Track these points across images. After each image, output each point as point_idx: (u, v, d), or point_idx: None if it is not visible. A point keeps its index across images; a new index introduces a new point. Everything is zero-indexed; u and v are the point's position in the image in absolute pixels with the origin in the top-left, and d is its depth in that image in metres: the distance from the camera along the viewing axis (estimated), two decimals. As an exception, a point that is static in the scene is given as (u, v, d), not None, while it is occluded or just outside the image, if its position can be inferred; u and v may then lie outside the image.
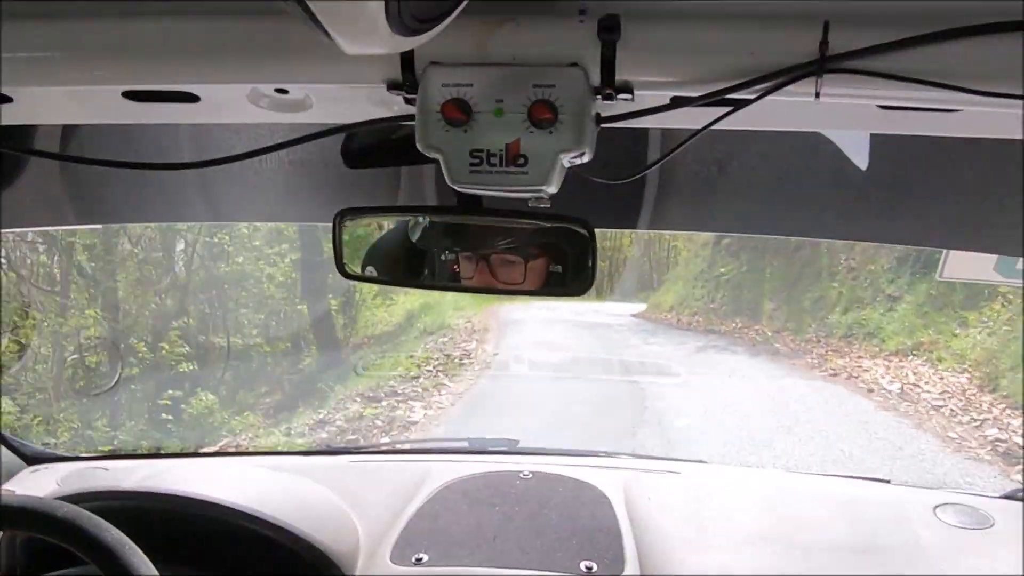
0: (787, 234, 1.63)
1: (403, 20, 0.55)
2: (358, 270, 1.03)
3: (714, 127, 0.76)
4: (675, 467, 1.84)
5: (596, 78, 0.70)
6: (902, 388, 7.01)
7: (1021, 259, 1.84)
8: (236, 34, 0.73)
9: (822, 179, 1.37)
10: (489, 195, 0.79)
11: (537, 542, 1.48)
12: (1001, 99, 0.64)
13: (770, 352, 9.16)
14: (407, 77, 0.72)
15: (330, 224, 0.99)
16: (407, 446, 2.10)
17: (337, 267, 1.01)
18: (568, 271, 0.96)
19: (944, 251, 2.14)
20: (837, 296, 9.60)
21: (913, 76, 0.64)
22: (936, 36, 0.63)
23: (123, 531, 1.07)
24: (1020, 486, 1.72)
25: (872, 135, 1.20)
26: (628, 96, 0.72)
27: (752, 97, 0.69)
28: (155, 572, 1.06)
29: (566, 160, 0.74)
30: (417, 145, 0.74)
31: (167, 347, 7.17)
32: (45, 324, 6.38)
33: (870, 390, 7.12)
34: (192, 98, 0.80)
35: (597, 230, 0.91)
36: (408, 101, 0.75)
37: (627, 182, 1.03)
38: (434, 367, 8.42)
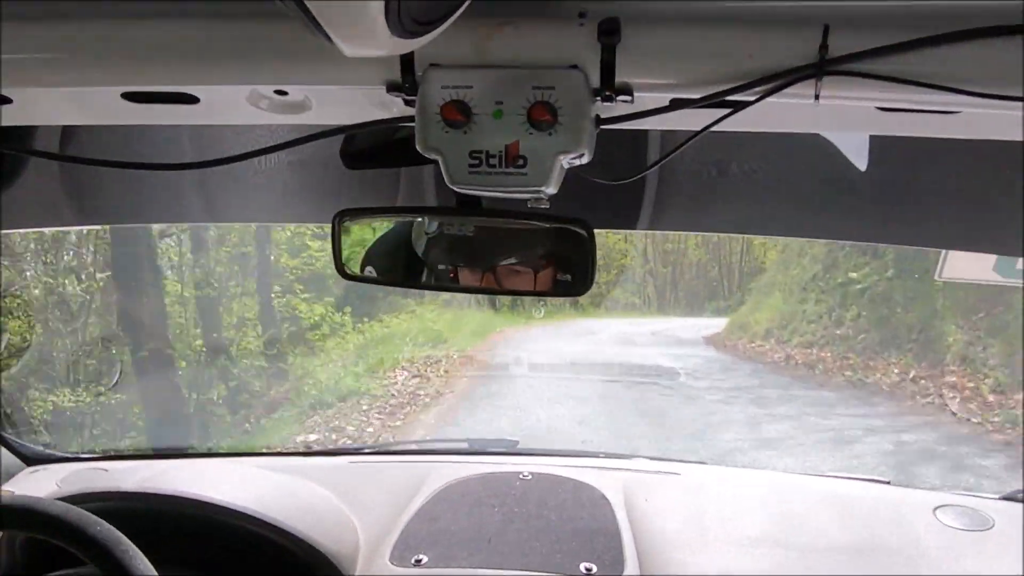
0: (786, 235, 1.63)
1: (403, 22, 0.55)
2: (357, 271, 1.03)
3: (713, 129, 0.76)
4: (675, 468, 1.84)
5: (596, 80, 0.70)
6: None
7: (1020, 259, 1.84)
8: (235, 35, 0.73)
9: (821, 180, 1.37)
10: (488, 196, 0.79)
11: (537, 543, 1.48)
12: (1000, 101, 0.64)
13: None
14: (407, 79, 0.72)
15: (329, 225, 0.99)
16: (407, 447, 2.09)
17: (336, 268, 1.01)
18: (568, 272, 0.96)
19: (943, 252, 2.15)
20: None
21: (912, 79, 0.64)
22: (935, 39, 0.63)
23: (123, 532, 1.07)
24: (1020, 487, 1.72)
25: (871, 137, 1.20)
26: (628, 98, 0.72)
27: (751, 99, 0.69)
28: (154, 573, 1.06)
29: (565, 161, 0.74)
30: (417, 146, 0.75)
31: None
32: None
33: None
34: (191, 99, 0.80)
35: (597, 230, 0.91)
36: (408, 103, 0.75)
37: (626, 183, 1.03)
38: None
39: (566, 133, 0.71)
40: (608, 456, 1.94)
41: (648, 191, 1.40)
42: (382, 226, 1.05)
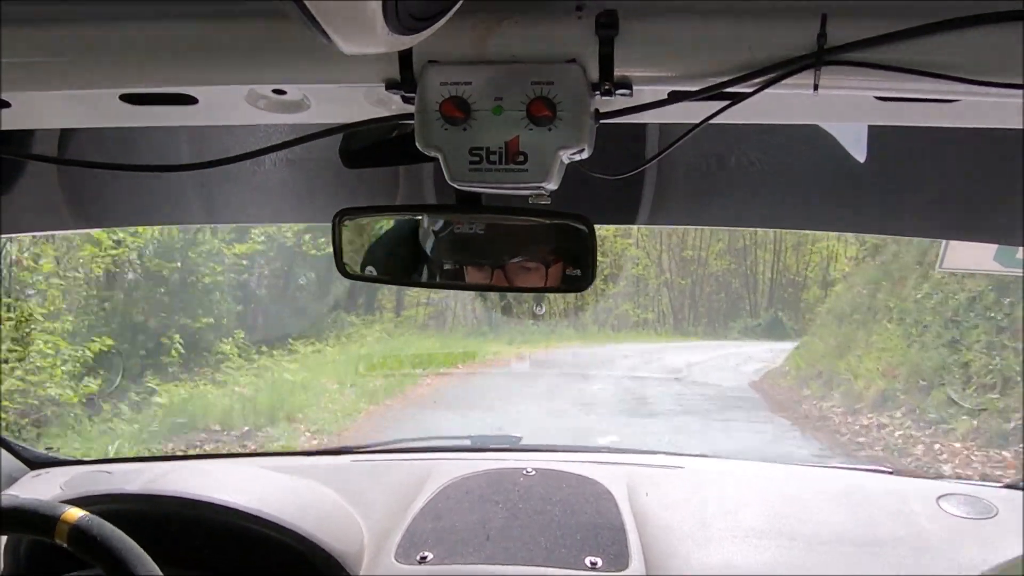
0: (786, 227, 1.64)
1: (401, 19, 0.55)
2: (358, 270, 1.03)
3: (713, 121, 0.76)
4: (678, 462, 1.84)
5: (594, 74, 0.70)
6: None
7: (1021, 249, 1.84)
8: (233, 35, 0.73)
9: (820, 172, 1.37)
10: (489, 192, 0.79)
11: (541, 539, 1.48)
12: (999, 89, 0.64)
13: None
14: (405, 76, 0.72)
15: (329, 224, 0.99)
16: (410, 445, 2.09)
17: (337, 267, 1.01)
18: (571, 267, 0.96)
19: (944, 242, 2.15)
20: None
21: (911, 67, 0.64)
22: (934, 27, 0.63)
23: (128, 534, 1.07)
24: (1023, 475, 1.72)
25: (870, 127, 1.20)
26: (627, 92, 0.72)
27: (750, 91, 0.69)
28: (160, 574, 1.06)
29: (565, 156, 0.74)
30: (416, 144, 0.75)
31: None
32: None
33: None
34: (190, 100, 0.80)
35: (598, 225, 0.91)
36: (406, 100, 0.75)
37: (626, 177, 1.03)
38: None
39: (566, 128, 0.71)
40: (611, 451, 1.94)
41: (648, 185, 1.40)
42: (384, 224, 1.05)
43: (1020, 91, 0.64)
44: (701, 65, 0.69)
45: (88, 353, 6.42)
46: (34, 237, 6.04)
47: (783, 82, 0.67)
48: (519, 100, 0.71)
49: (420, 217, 1.03)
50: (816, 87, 0.68)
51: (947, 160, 1.29)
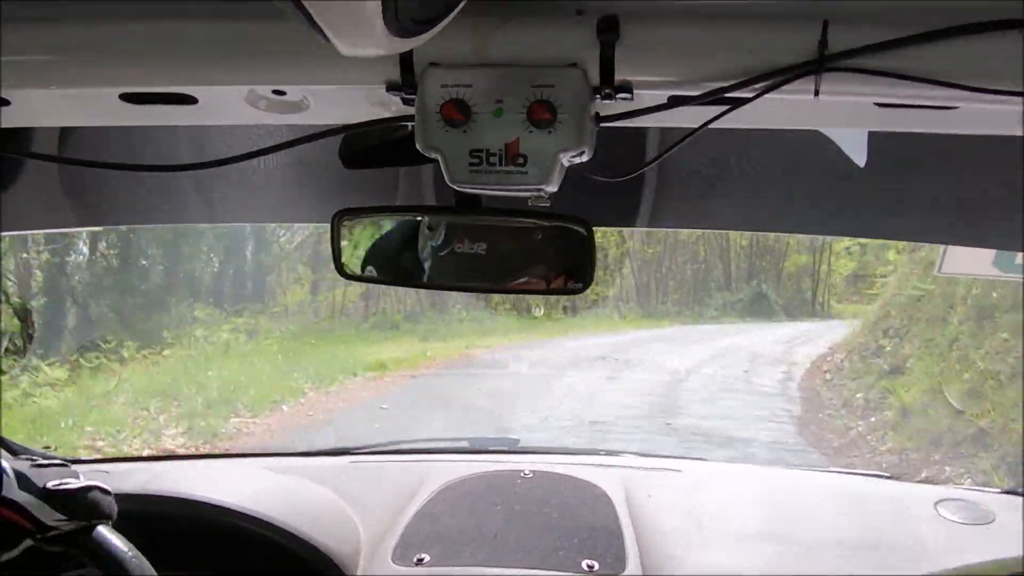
0: (785, 231, 1.63)
1: (401, 21, 0.55)
2: (358, 271, 1.03)
3: (713, 126, 0.76)
4: (676, 465, 1.84)
5: (595, 78, 0.70)
6: None
7: (1020, 254, 1.84)
8: (233, 36, 0.73)
9: (820, 177, 1.37)
10: (488, 194, 0.79)
11: (538, 541, 1.48)
12: (999, 96, 0.64)
13: None
14: (406, 78, 0.72)
15: (328, 225, 0.99)
16: (407, 446, 2.09)
17: (336, 268, 1.01)
18: (568, 270, 0.96)
19: (943, 247, 2.15)
20: None
21: (912, 74, 0.64)
22: (934, 34, 0.63)
23: (124, 534, 1.06)
24: (1021, 481, 1.72)
25: (870, 132, 1.20)
26: (627, 95, 0.72)
27: (751, 96, 0.69)
28: (123, 540, 1.06)
29: (565, 159, 0.74)
30: (417, 145, 0.75)
31: None
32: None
33: None
34: (190, 100, 0.80)
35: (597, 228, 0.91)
36: (407, 102, 0.75)
37: (626, 180, 1.03)
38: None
39: (566, 131, 0.71)
40: (608, 454, 1.94)
41: (647, 189, 1.40)
42: (384, 225, 1.05)
43: (1019, 98, 0.64)
44: (702, 70, 0.69)
45: None
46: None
47: (784, 88, 0.67)
48: (520, 103, 0.71)
49: (420, 218, 1.03)
50: (817, 93, 0.68)
51: (946, 166, 1.30)
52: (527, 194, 0.79)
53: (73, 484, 1.03)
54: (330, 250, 1.01)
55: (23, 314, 5.79)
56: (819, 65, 0.65)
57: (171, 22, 0.73)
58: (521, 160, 0.73)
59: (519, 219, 0.93)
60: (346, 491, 1.65)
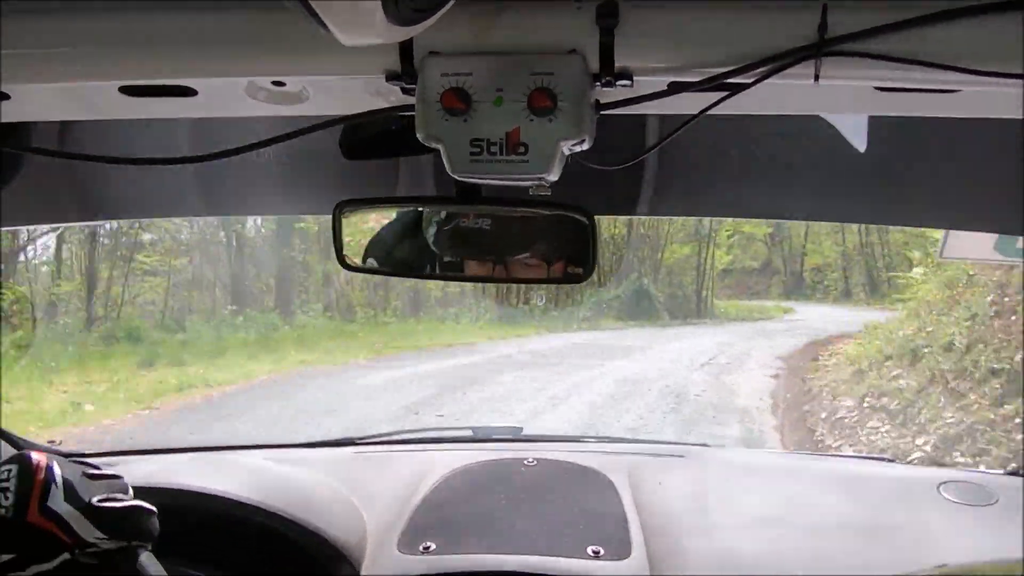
0: (786, 218, 1.64)
1: (400, 10, 0.55)
2: (359, 262, 1.04)
3: (713, 112, 0.75)
4: (679, 451, 1.85)
5: (595, 65, 0.70)
6: None
7: (1021, 238, 1.84)
8: (232, 27, 0.72)
9: (821, 162, 1.37)
10: (489, 184, 0.79)
11: (543, 528, 1.49)
12: (999, 79, 0.64)
13: None
14: (406, 67, 0.72)
15: (329, 216, 0.99)
16: (411, 436, 2.10)
17: (338, 259, 1.01)
18: (571, 259, 0.96)
19: (944, 231, 2.15)
20: None
21: (912, 57, 0.64)
22: (934, 17, 0.63)
23: None
24: (1023, 463, 1.73)
25: (870, 117, 1.20)
26: (627, 82, 0.71)
27: (751, 81, 0.69)
28: (160, 569, 1.06)
29: (566, 148, 0.74)
30: (417, 135, 0.74)
31: None
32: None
33: None
34: (189, 92, 0.80)
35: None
36: (406, 91, 0.75)
37: (626, 168, 1.03)
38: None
39: (566, 119, 0.71)
40: (613, 440, 1.95)
41: (648, 176, 1.40)
42: (385, 216, 1.05)
43: (1020, 81, 0.64)
44: (702, 55, 0.69)
45: None
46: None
47: (783, 73, 0.67)
48: (520, 91, 0.71)
49: (422, 209, 1.03)
50: (817, 78, 0.68)
51: (947, 150, 1.29)
52: (528, 183, 0.79)
53: (119, 503, 1.01)
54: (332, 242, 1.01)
55: None
56: (819, 49, 0.65)
57: (170, 14, 0.73)
58: (522, 149, 0.73)
59: (521, 209, 0.93)
60: (351, 481, 1.66)
